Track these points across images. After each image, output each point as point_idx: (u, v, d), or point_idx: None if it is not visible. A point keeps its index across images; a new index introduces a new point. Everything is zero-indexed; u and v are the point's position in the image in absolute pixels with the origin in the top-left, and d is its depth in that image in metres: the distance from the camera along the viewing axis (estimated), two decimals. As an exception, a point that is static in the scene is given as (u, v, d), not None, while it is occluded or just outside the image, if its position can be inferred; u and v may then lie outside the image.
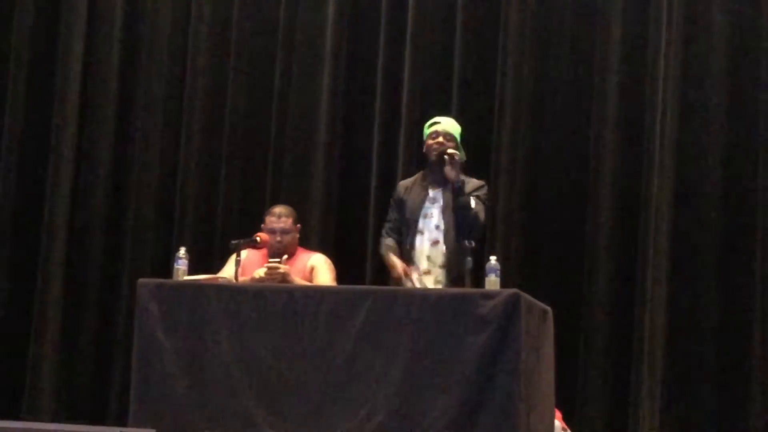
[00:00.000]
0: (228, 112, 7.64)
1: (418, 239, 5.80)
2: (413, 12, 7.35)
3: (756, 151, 6.90)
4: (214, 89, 7.70)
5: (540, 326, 5.25)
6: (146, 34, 7.86)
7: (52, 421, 7.13)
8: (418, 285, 5.65)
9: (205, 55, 7.72)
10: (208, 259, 7.01)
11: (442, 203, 5.82)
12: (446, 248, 5.73)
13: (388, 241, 5.90)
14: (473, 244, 5.60)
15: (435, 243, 5.78)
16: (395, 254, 5.80)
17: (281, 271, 5.74)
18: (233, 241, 5.81)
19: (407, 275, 5.68)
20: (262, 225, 6.14)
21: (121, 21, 7.90)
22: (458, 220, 5.73)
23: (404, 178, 6.32)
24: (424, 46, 7.35)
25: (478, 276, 5.43)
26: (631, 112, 7.06)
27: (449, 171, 5.73)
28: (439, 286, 5.68)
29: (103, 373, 7.58)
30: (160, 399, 5.18)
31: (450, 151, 5.74)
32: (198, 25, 7.74)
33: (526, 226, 7.11)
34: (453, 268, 5.72)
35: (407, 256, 5.78)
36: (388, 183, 6.94)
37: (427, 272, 5.76)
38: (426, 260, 5.77)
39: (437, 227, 5.79)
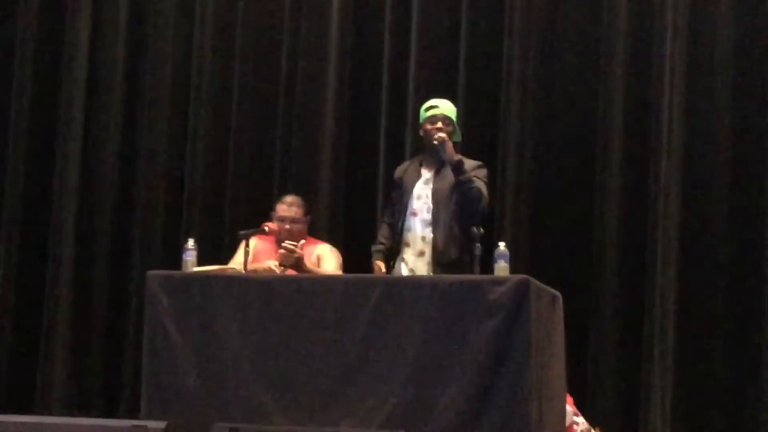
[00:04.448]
0: (235, 105, 7.63)
1: (412, 220, 5.84)
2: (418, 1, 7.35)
3: (764, 137, 6.89)
4: (221, 82, 7.69)
5: (550, 312, 5.24)
6: (152, 24, 7.86)
7: (64, 414, 7.13)
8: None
9: (211, 48, 7.71)
10: (217, 250, 7.01)
11: (433, 185, 5.84)
12: (436, 231, 5.75)
13: (378, 246, 5.96)
14: (482, 230, 5.57)
15: (428, 224, 5.80)
16: (382, 257, 5.88)
17: (297, 255, 5.73)
18: (241, 232, 5.82)
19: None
20: (272, 213, 6.16)
21: (127, 11, 7.90)
22: (461, 197, 5.75)
23: (411, 167, 6.32)
24: (429, 34, 7.33)
25: (486, 262, 5.41)
26: (638, 98, 7.03)
27: (446, 156, 5.76)
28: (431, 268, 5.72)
29: (113, 365, 7.60)
30: (170, 391, 5.18)
31: (438, 135, 5.77)
32: (204, 17, 7.73)
33: (534, 211, 7.09)
34: (445, 251, 5.72)
35: (400, 238, 5.83)
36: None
37: (422, 253, 5.78)
38: (421, 241, 5.80)
39: (429, 209, 5.82)
